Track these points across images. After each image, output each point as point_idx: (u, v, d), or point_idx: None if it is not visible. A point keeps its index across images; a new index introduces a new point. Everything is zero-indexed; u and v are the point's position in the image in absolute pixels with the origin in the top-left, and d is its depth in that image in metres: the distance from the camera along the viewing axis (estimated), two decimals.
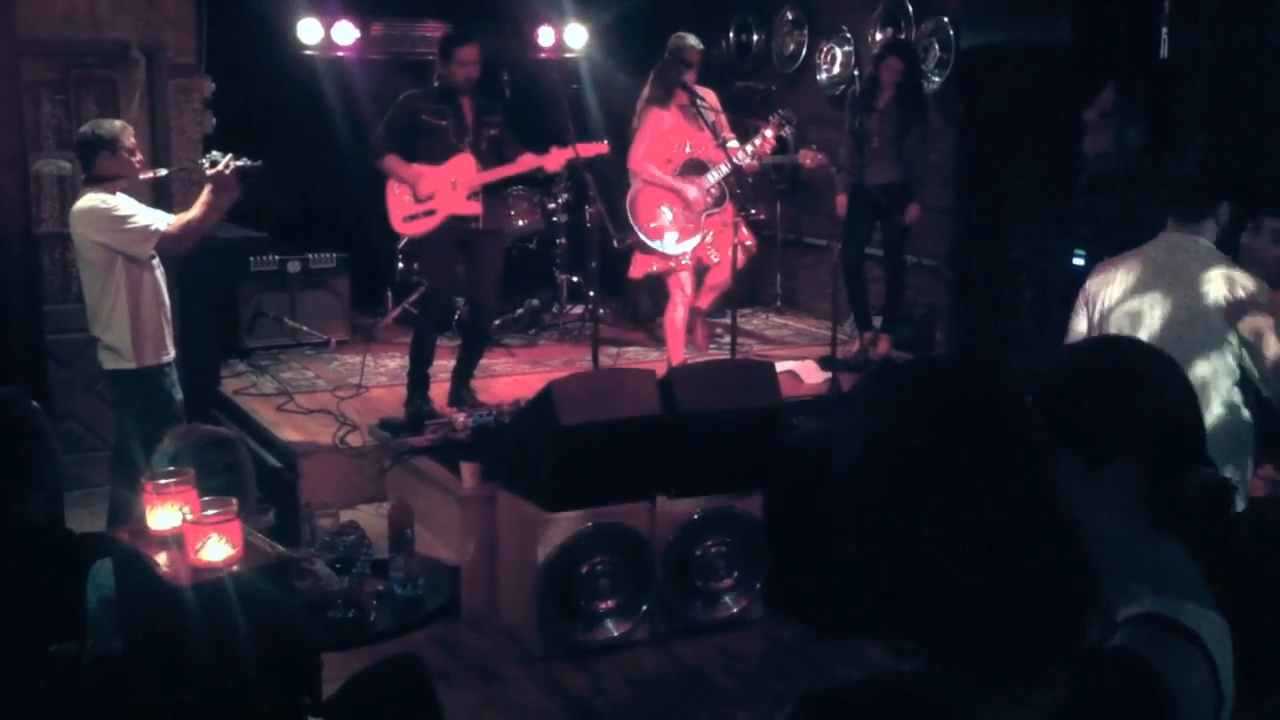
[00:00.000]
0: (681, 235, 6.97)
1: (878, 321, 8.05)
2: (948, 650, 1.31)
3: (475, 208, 6.55)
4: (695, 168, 7.03)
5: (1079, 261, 6.62)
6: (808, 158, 7.73)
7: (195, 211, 5.41)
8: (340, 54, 8.76)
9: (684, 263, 7.08)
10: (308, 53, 8.69)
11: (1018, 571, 1.27)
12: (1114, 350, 1.91)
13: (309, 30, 8.62)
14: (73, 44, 6.93)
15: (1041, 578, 1.27)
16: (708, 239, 7.08)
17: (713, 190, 7.02)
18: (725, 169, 6.95)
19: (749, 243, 7.21)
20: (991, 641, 1.28)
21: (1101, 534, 1.65)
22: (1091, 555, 1.33)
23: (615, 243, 7.67)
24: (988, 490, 1.27)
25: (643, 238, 7.00)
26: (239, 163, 5.40)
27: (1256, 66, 5.91)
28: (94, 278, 5.44)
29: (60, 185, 7.08)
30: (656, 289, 8.59)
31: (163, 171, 6.16)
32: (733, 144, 6.98)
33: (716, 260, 7.16)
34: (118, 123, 5.65)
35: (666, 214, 6.98)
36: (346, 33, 8.71)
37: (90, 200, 5.39)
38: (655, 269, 7.14)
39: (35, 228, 6.88)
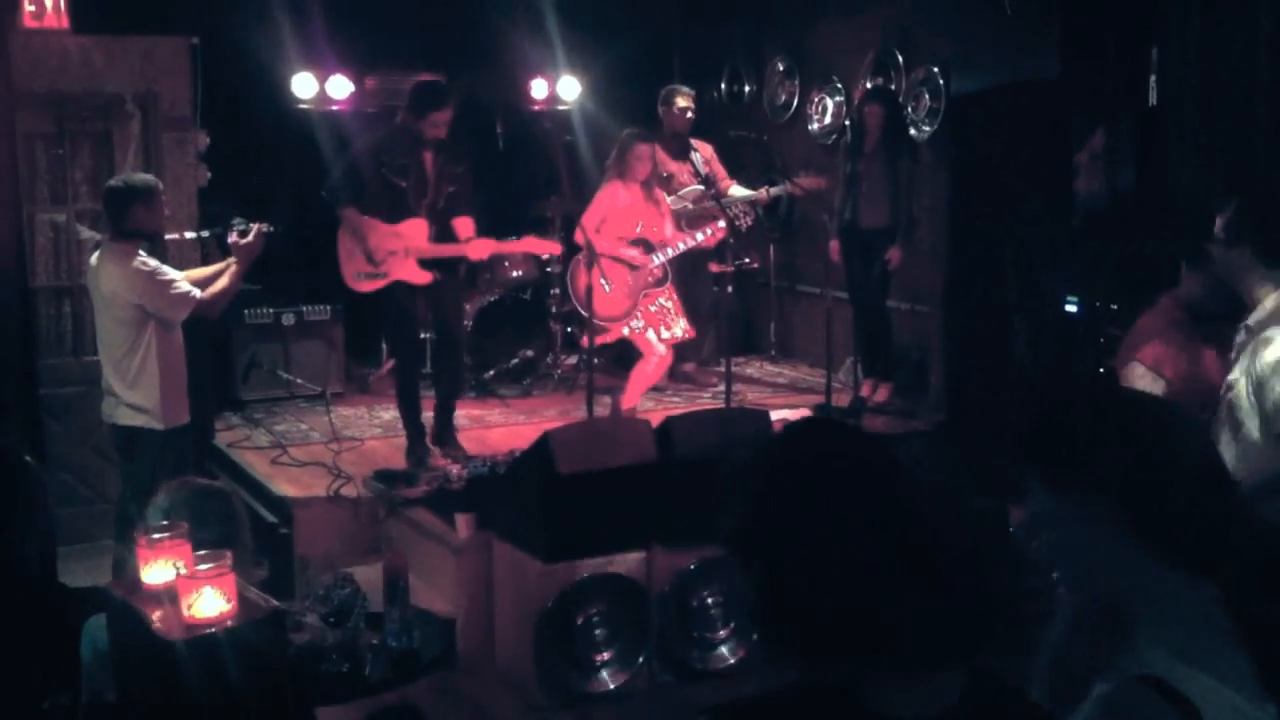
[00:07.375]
0: (617, 308, 6.95)
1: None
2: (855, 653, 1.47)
3: (425, 277, 6.46)
4: (643, 247, 7.08)
5: (1071, 309, 6.62)
6: (802, 182, 7.89)
7: (225, 282, 5.52)
8: (335, 107, 8.80)
9: (636, 329, 7.09)
10: (302, 106, 8.74)
11: (903, 594, 1.44)
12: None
13: (304, 84, 8.67)
14: (68, 96, 6.96)
15: (929, 598, 1.44)
16: (643, 310, 7.09)
17: (655, 271, 7.08)
18: (672, 252, 7.08)
19: (679, 330, 7.20)
20: (891, 646, 1.45)
21: (1120, 565, 1.70)
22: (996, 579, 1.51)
23: (553, 307, 7.83)
24: (867, 531, 1.46)
25: (579, 308, 6.99)
26: (266, 228, 5.57)
27: (1248, 105, 5.89)
28: (122, 336, 5.40)
29: (56, 238, 7.09)
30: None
31: (205, 234, 6.23)
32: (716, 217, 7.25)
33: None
34: (149, 176, 5.68)
35: (605, 286, 6.92)
36: (341, 87, 8.76)
37: (126, 260, 5.34)
38: (623, 334, 7.16)
39: (30, 281, 6.88)
